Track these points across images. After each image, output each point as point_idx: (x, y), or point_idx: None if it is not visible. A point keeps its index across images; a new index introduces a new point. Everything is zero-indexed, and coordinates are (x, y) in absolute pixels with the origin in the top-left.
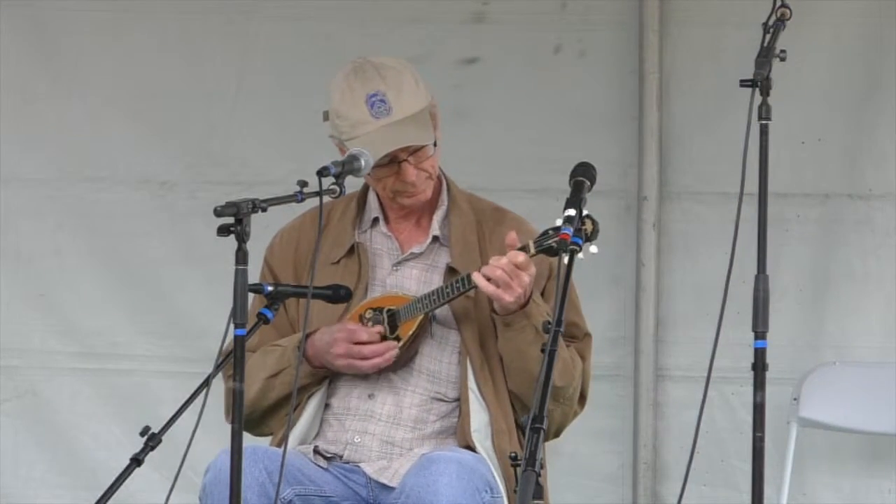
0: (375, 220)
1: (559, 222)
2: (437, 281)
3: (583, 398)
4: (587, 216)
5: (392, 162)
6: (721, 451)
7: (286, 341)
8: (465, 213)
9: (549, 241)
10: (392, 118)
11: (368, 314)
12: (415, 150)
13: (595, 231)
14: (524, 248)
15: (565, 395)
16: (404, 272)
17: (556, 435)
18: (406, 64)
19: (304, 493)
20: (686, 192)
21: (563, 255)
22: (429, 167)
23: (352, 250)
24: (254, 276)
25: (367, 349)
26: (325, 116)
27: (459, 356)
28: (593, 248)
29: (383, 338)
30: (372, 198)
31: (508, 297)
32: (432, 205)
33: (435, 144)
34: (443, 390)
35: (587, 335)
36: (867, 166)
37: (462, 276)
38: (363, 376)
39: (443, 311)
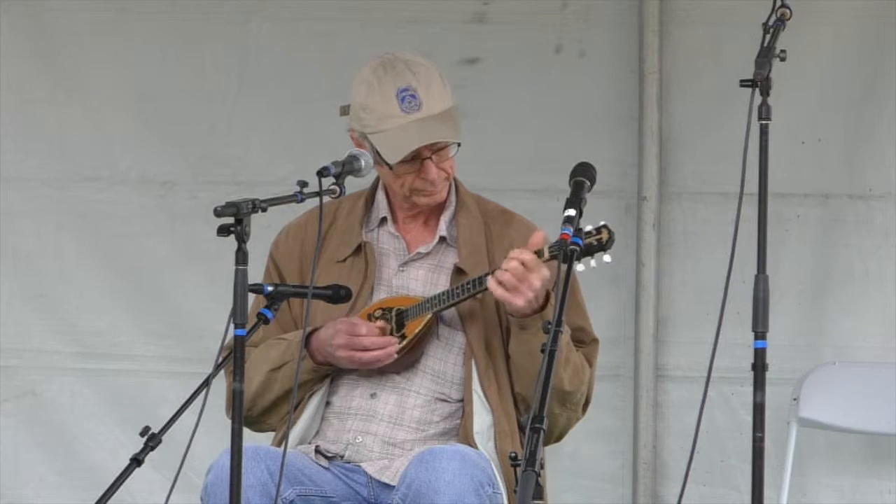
0: (383, 219)
1: (588, 227)
2: (443, 281)
3: (587, 403)
4: (604, 225)
5: (415, 159)
6: (721, 451)
7: (291, 335)
8: (473, 214)
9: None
10: (422, 114)
11: (377, 314)
12: (438, 149)
13: (610, 240)
14: (538, 253)
15: (573, 401)
16: (411, 272)
17: (559, 439)
18: (433, 62)
19: (305, 493)
20: (686, 192)
21: (565, 254)
22: (448, 167)
23: (358, 249)
24: (254, 276)
25: (367, 340)
26: (344, 111)
27: (464, 357)
28: (607, 258)
29: (386, 334)
30: (380, 197)
31: (518, 301)
32: (440, 205)
33: (458, 145)
34: (447, 391)
35: (594, 340)
36: (867, 166)
37: (472, 279)
38: (366, 375)
39: (450, 313)
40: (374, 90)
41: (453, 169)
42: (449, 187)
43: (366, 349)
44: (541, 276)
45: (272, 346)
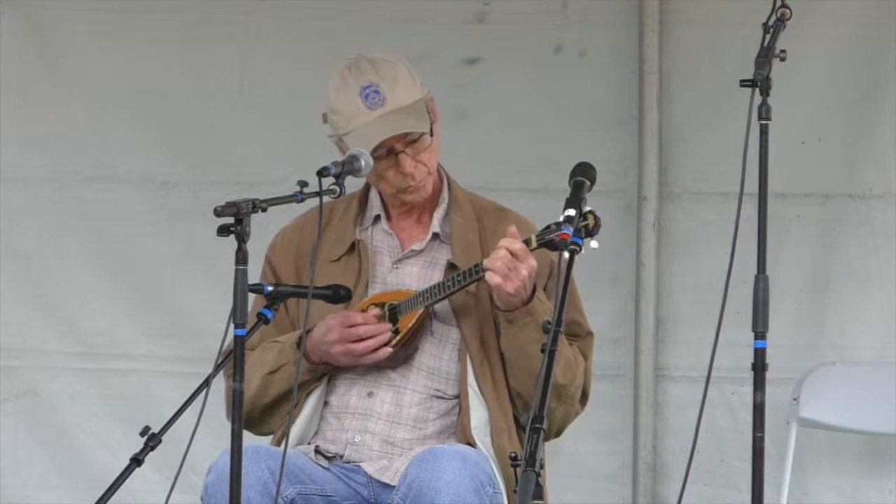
0: (377, 217)
1: (562, 218)
2: (437, 278)
3: (584, 397)
4: (589, 211)
5: (390, 154)
6: (721, 451)
7: (284, 338)
8: (466, 211)
9: (552, 235)
10: (386, 108)
11: (370, 309)
12: (411, 142)
13: (597, 226)
14: (526, 242)
15: (567, 394)
16: (405, 269)
17: (557, 434)
18: (401, 59)
19: (305, 492)
20: (686, 192)
21: (564, 253)
22: (426, 160)
23: (352, 248)
24: (254, 276)
25: (360, 329)
26: (325, 118)
27: (459, 353)
28: (594, 244)
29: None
30: (374, 195)
31: (507, 288)
32: (433, 202)
33: (432, 134)
34: (442, 387)
35: (589, 333)
36: (867, 166)
37: (461, 270)
38: (362, 374)
39: (443, 309)
40: (341, 92)
41: (433, 162)
42: (440, 184)
43: (360, 339)
44: (528, 265)
45: (267, 350)
